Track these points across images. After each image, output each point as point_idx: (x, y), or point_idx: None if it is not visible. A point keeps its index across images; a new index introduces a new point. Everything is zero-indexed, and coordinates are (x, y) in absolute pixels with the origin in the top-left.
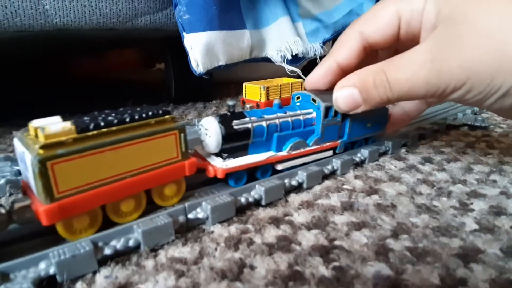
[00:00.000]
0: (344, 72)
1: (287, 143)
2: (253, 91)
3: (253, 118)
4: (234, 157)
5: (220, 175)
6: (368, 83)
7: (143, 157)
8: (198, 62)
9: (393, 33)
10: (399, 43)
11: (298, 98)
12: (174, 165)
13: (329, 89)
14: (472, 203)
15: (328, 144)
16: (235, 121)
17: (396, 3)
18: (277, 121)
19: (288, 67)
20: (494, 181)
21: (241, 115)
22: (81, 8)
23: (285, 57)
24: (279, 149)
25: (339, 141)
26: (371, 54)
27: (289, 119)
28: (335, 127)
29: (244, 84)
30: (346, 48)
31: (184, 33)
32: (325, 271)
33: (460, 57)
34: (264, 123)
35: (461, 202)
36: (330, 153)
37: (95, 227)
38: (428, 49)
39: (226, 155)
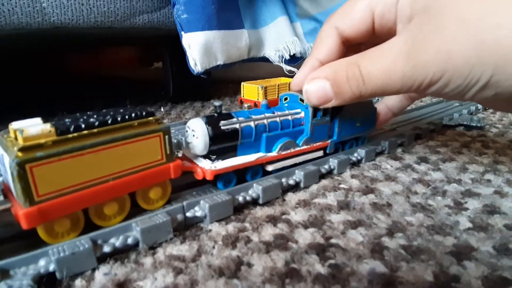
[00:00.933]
0: None
1: (276, 144)
2: (251, 91)
3: (240, 118)
4: (222, 159)
5: (209, 177)
6: (340, 76)
7: (126, 159)
8: (196, 61)
9: (367, 28)
10: (376, 37)
11: (286, 99)
12: (158, 167)
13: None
14: (466, 202)
15: (318, 144)
16: (222, 122)
17: None
18: (265, 121)
19: (286, 67)
20: (489, 181)
21: (228, 116)
22: (79, 6)
23: (283, 57)
24: (268, 149)
25: (329, 141)
26: (353, 47)
27: (277, 119)
28: (325, 127)
29: (242, 83)
30: (325, 45)
31: (182, 32)
32: (321, 268)
33: (436, 49)
34: (252, 124)
35: (455, 201)
36: (320, 153)
37: (77, 230)
38: (403, 41)
39: (214, 156)
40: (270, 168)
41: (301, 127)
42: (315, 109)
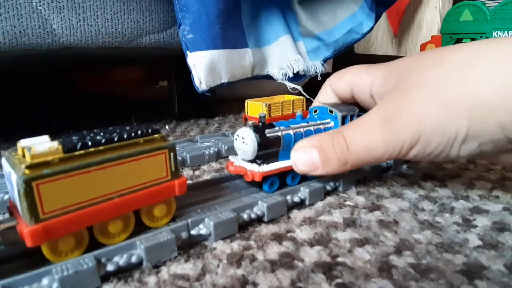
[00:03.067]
0: None
1: None
2: (255, 108)
3: (281, 127)
4: (267, 163)
5: (257, 178)
6: (326, 143)
7: (131, 176)
8: (201, 80)
9: (351, 96)
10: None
11: (315, 111)
12: (163, 185)
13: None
14: (475, 219)
15: None
16: (267, 130)
17: (350, 75)
18: (301, 129)
19: (290, 85)
20: (497, 197)
21: (271, 125)
22: (88, 28)
23: (286, 75)
24: None
25: None
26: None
27: (311, 128)
28: None
29: (246, 101)
30: (324, 95)
31: (188, 52)
32: None
33: (408, 114)
34: (291, 132)
35: (464, 218)
36: None
37: (81, 248)
38: (379, 111)
39: (260, 161)
40: None
41: None
42: (343, 118)
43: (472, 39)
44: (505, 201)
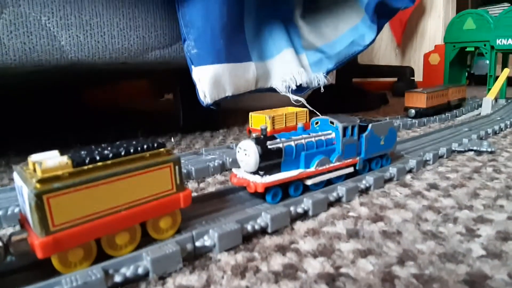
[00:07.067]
0: None
1: (313, 160)
2: (258, 120)
3: (283, 139)
4: (269, 174)
5: (260, 189)
6: None
7: (138, 190)
8: (206, 93)
9: None
10: None
11: (317, 123)
12: (169, 197)
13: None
14: (478, 229)
15: (348, 161)
16: (268, 142)
17: None
18: (303, 141)
19: (293, 97)
20: (501, 206)
21: (273, 137)
22: (95, 44)
23: (289, 87)
24: (307, 166)
25: (357, 158)
26: None
27: (313, 139)
28: (353, 145)
29: (250, 113)
30: None
31: (193, 66)
32: None
33: None
34: (292, 143)
35: (467, 228)
36: (351, 169)
37: (90, 260)
38: None
39: (262, 172)
40: (309, 182)
41: (333, 146)
42: (344, 129)
43: (476, 48)
44: (510, 210)
